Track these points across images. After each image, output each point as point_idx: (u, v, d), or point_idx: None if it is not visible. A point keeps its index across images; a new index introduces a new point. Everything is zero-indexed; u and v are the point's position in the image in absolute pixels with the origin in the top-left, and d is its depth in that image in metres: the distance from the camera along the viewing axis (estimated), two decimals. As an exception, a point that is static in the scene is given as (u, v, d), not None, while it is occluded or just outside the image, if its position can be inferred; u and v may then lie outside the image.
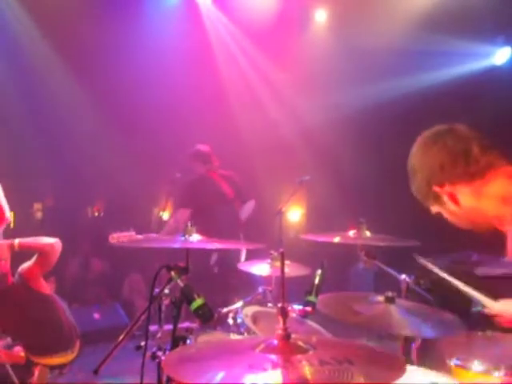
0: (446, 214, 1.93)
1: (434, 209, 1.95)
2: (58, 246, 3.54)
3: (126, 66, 6.47)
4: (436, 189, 1.86)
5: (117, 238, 4.41)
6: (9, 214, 3.41)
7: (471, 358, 1.98)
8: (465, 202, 1.84)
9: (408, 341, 2.55)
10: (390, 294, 2.36)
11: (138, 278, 7.12)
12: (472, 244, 2.02)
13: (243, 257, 5.18)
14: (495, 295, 2.04)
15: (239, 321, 3.05)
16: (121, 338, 2.08)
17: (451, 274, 2.04)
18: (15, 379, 3.20)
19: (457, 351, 1.98)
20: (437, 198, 1.89)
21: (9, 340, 3.29)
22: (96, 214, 9.25)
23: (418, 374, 2.09)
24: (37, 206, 8.45)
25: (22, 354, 3.30)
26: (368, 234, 3.24)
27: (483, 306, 2.07)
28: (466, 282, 2.20)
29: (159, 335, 2.62)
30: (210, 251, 5.00)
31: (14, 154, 6.71)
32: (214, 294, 4.14)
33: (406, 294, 2.89)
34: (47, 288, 3.57)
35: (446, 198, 1.87)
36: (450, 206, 1.87)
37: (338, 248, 3.35)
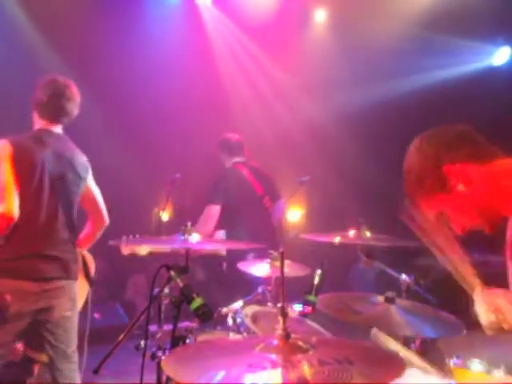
0: (451, 209, 1.80)
1: (435, 210, 1.82)
2: None
3: (125, 66, 6.46)
4: (447, 167, 1.73)
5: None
6: (107, 219, 3.62)
7: (471, 358, 1.98)
8: (477, 181, 1.73)
9: (408, 341, 2.55)
10: (390, 294, 2.36)
11: (141, 279, 7.12)
12: (472, 244, 1.99)
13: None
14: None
15: (239, 320, 3.05)
16: (121, 337, 2.08)
17: (451, 273, 2.03)
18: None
19: (457, 351, 1.98)
20: (444, 184, 1.75)
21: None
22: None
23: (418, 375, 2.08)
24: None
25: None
26: (368, 234, 3.25)
27: None
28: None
29: (159, 335, 2.62)
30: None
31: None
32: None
33: (406, 294, 2.89)
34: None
35: (455, 181, 1.74)
36: (461, 188, 1.74)
37: (338, 248, 3.35)
